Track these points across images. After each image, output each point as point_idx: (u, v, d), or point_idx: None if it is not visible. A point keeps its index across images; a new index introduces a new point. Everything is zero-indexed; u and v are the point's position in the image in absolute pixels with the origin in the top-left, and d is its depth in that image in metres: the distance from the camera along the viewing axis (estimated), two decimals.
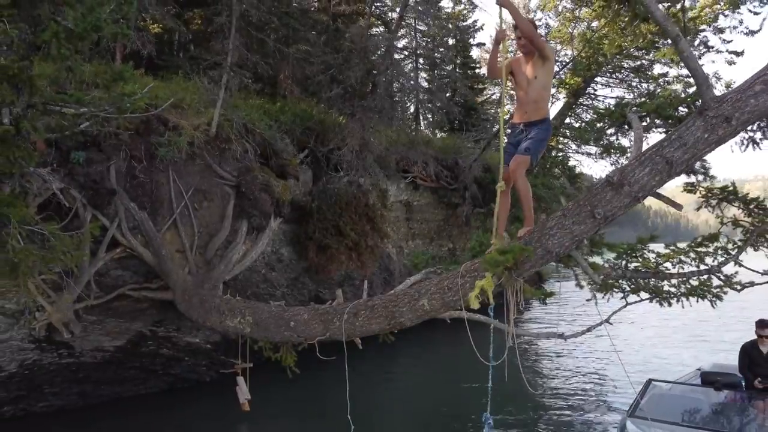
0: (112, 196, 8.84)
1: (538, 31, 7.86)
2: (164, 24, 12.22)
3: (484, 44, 32.06)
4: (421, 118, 24.35)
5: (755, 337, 7.55)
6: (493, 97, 32.18)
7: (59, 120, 6.83)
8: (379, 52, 12.76)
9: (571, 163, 19.17)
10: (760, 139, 6.23)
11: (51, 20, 5.53)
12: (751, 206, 6.51)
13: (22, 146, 6.36)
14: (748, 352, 7.59)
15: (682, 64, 9.88)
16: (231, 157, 10.49)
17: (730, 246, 6.48)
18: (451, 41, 28.88)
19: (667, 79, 17.13)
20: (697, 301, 7.01)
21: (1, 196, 6.90)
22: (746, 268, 6.20)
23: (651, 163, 4.26)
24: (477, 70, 31.36)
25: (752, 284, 6.45)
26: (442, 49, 26.67)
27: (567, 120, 20.34)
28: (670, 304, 7.13)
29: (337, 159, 13.26)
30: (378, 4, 17.26)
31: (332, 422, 8.12)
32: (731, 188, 6.70)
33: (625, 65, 17.37)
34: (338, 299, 6.65)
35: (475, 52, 31.96)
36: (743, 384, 7.36)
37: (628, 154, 9.58)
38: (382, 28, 18.56)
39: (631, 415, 6.59)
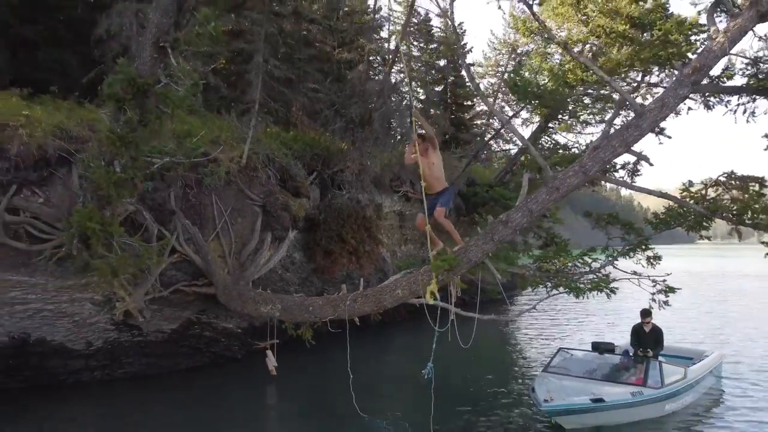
0: (172, 215, 11.78)
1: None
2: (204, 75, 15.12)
3: (473, 64, 35.01)
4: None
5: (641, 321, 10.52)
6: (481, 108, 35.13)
7: (149, 166, 9.78)
8: (375, 95, 15.63)
9: None
10: None
11: (156, 107, 8.44)
12: None
13: (128, 186, 9.32)
14: (636, 331, 10.57)
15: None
16: (258, 182, 13.44)
17: (608, 253, 9.40)
18: (442, 62, 31.85)
19: None
20: (600, 293, 9.96)
21: (106, 219, 9.84)
22: (619, 269, 9.12)
23: (522, 210, 7.17)
24: (467, 88, 34.32)
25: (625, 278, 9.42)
26: (433, 71, 29.63)
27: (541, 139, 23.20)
28: (577, 296, 10.03)
29: (340, 179, 16.19)
30: (376, 41, 20.11)
31: (338, 383, 10.92)
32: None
33: (586, 98, 20.16)
34: (343, 291, 9.56)
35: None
36: (629, 352, 10.30)
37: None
38: (379, 60, 21.39)
39: (543, 371, 9.51)
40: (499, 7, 9.26)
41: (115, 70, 8.19)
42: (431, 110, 28.80)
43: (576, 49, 15.82)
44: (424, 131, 7.68)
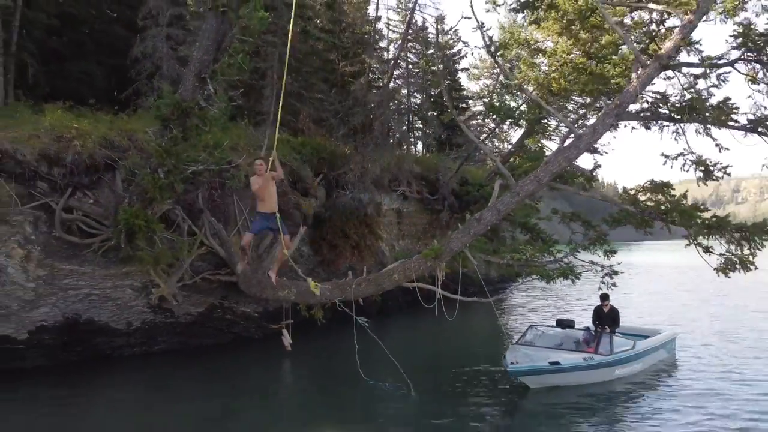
0: (200, 213, 13.64)
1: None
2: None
3: (467, 69, 36.91)
4: (411, 138, 29.15)
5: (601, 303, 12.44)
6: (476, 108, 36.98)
7: (184, 172, 11.64)
8: (374, 105, 17.46)
9: None
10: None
11: (195, 125, 10.28)
12: None
13: (169, 189, 11.18)
14: (597, 311, 12.49)
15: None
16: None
17: (571, 246, 11.28)
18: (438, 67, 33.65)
19: None
20: (566, 279, 11.84)
21: (149, 217, 11.70)
22: (579, 260, 10.98)
23: (492, 210, 9.03)
24: (463, 92, 36.19)
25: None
26: (430, 76, 31.39)
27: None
28: (548, 282, 11.89)
29: (344, 181, 18.04)
30: (376, 53, 21.92)
31: (345, 355, 12.75)
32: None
33: (570, 106, 21.97)
34: (349, 277, 11.42)
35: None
36: (590, 329, 12.18)
37: None
38: (379, 70, 23.18)
39: (514, 343, 11.41)
40: (481, 27, 10.73)
41: (161, 94, 10.03)
42: (428, 113, 30.56)
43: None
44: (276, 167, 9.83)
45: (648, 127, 10.63)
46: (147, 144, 12.35)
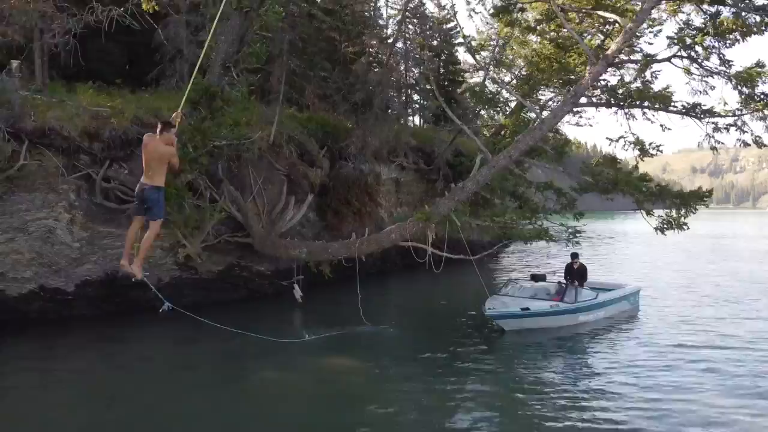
0: (220, 182, 15.39)
1: None
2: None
3: (463, 43, 38.05)
4: (409, 111, 30.68)
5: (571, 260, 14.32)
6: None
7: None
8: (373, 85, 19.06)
9: None
10: None
11: (220, 107, 11.95)
12: None
13: (197, 162, 12.91)
14: (568, 267, 14.38)
15: None
16: (283, 156, 17.01)
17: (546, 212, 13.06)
18: (435, 42, 34.90)
19: None
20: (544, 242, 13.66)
21: (179, 185, 13.44)
22: (553, 223, 12.79)
23: (473, 180, 10.79)
24: (459, 66, 37.43)
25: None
26: (428, 53, 32.73)
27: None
28: (525, 243, 13.72)
29: (346, 153, 19.74)
30: (376, 33, 23.33)
31: (349, 305, 14.63)
32: None
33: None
34: (353, 237, 13.26)
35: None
36: (561, 282, 14.06)
37: None
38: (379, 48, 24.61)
39: (494, 294, 13.31)
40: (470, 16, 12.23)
41: (193, 80, 11.65)
42: (427, 86, 31.97)
43: None
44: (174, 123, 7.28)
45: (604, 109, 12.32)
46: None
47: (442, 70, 34.59)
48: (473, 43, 41.79)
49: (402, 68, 29.21)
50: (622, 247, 38.00)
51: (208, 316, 15.32)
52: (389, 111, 21.79)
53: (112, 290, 14.68)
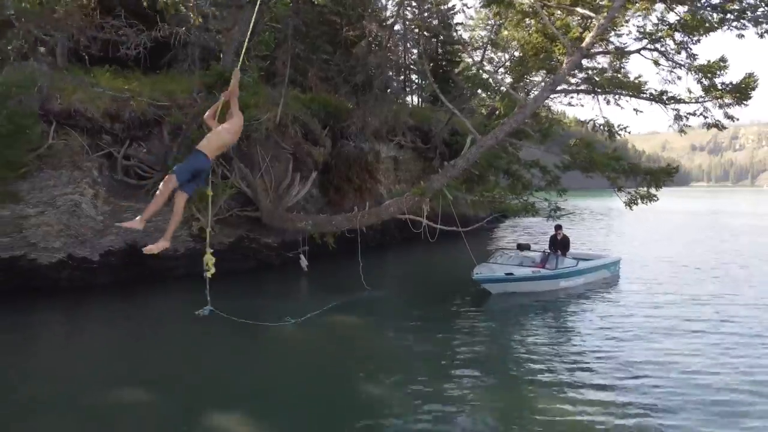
0: (231, 160, 16.55)
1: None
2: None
3: (462, 23, 38.85)
4: (408, 90, 31.64)
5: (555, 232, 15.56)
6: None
7: None
8: (373, 69, 20.09)
9: None
10: None
11: None
12: None
13: None
14: (552, 238, 15.62)
15: None
16: (288, 136, 18.13)
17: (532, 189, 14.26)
18: (435, 22, 35.67)
19: None
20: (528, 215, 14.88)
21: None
22: (537, 199, 13.98)
23: (464, 158, 11.95)
24: (456, 46, 38.20)
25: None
26: (425, 33, 33.53)
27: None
28: (513, 216, 14.92)
29: (348, 132, 20.85)
30: (376, 16, 24.24)
31: (351, 272, 15.89)
32: None
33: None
34: (355, 210, 14.47)
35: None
36: (545, 251, 15.31)
37: None
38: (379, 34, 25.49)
39: (483, 262, 14.58)
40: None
41: (209, 68, 12.79)
42: (424, 66, 32.85)
43: None
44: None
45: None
46: (187, 103, 15.25)
47: (440, 50, 35.44)
48: (470, 22, 42.57)
49: (401, 49, 30.08)
50: (616, 224, 39.26)
51: (221, 284, 16.71)
52: (388, 91, 22.81)
53: (132, 260, 15.94)
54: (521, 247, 15.36)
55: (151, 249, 5.55)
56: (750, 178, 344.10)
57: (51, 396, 8.16)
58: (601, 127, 12.61)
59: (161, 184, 5.44)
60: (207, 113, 6.13)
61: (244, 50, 7.12)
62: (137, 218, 5.45)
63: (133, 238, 15.94)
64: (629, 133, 12.63)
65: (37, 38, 14.07)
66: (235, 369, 9.51)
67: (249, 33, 7.37)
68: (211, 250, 6.60)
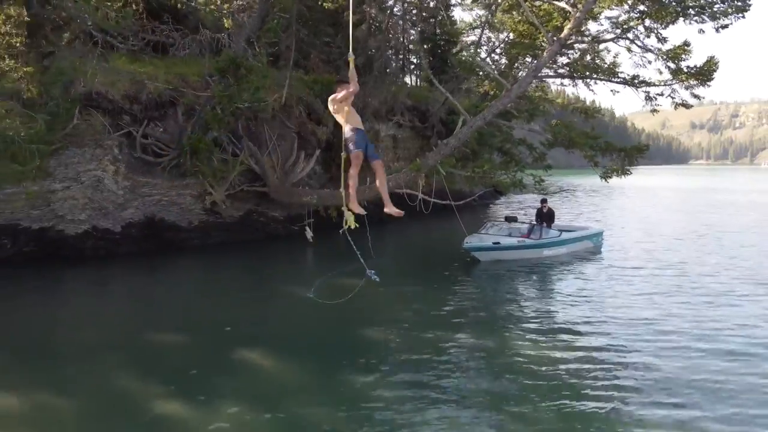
0: (241, 139, 17.76)
1: None
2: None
3: (460, 2, 39.58)
4: (405, 70, 32.62)
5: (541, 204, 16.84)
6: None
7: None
8: (373, 50, 21.15)
9: None
10: None
11: (244, 75, 14.22)
12: None
13: (224, 122, 15.26)
14: (538, 210, 16.91)
15: None
16: (293, 115, 19.31)
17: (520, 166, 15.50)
18: (432, 3, 36.49)
19: None
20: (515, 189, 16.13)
21: (208, 141, 15.84)
22: (527, 174, 15.22)
23: (456, 137, 13.16)
24: (455, 26, 39.07)
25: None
26: (424, 14, 34.36)
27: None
28: (504, 193, 16.19)
29: None
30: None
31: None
32: None
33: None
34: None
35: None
36: (532, 223, 16.59)
37: None
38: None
39: (473, 233, 15.89)
40: None
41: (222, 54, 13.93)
42: (423, 46, 33.78)
43: None
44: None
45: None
46: (199, 85, 16.43)
47: (437, 31, 36.30)
48: (468, 1, 43.25)
49: (400, 31, 30.99)
50: (609, 200, 40.52)
51: (231, 254, 18.06)
52: (387, 70, 23.87)
53: (151, 231, 17.25)
54: (509, 219, 16.66)
55: (392, 211, 6.52)
56: (749, 156, 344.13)
57: (83, 341, 9.43)
58: (577, 110, 13.86)
59: (352, 165, 6.42)
60: (340, 97, 6.47)
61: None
62: (356, 203, 6.60)
63: (152, 212, 17.25)
64: (603, 116, 13.75)
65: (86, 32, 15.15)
66: (250, 318, 10.83)
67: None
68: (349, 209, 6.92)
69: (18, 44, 12.42)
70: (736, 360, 8.46)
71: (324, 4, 18.90)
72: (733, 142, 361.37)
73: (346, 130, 6.66)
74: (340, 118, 6.77)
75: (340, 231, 7.58)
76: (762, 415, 6.70)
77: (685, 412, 6.77)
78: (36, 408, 6.87)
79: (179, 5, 15.07)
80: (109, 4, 12.76)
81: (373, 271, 8.62)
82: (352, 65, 6.38)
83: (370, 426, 6.47)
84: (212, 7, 13.60)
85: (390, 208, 6.58)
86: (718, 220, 26.85)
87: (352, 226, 7.02)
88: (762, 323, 10.29)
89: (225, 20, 14.15)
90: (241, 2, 15.44)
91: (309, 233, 17.75)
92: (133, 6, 14.54)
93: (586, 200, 38.97)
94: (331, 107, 6.68)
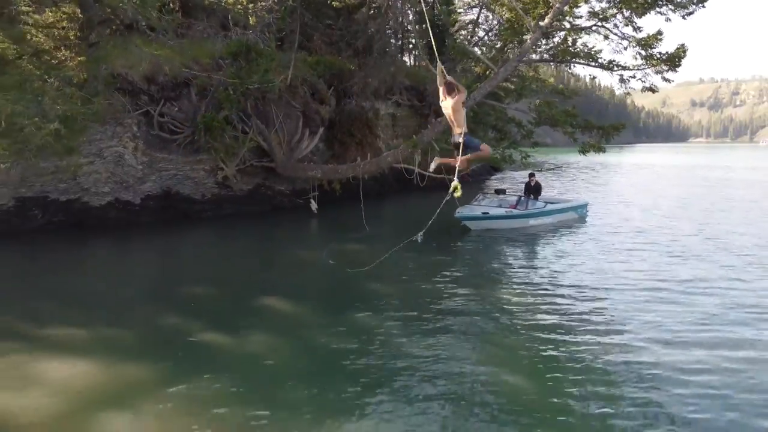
0: (249, 117, 19.04)
1: None
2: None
3: None
4: (404, 50, 33.68)
5: (529, 178, 18.18)
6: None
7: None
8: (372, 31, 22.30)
9: None
10: None
11: (255, 58, 15.47)
12: None
13: (235, 102, 16.54)
14: (526, 184, 18.27)
15: None
16: (298, 95, 20.56)
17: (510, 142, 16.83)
18: None
19: None
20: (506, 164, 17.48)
21: (220, 120, 17.15)
22: (523, 151, 16.55)
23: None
24: (453, 5, 39.94)
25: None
26: None
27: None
28: (497, 170, 17.54)
29: (350, 91, 23.23)
30: None
31: (354, 217, 18.59)
32: None
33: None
34: (358, 160, 17.05)
35: None
36: (520, 195, 17.94)
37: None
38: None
39: (466, 204, 17.27)
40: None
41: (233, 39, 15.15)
42: (419, 26, 34.76)
43: None
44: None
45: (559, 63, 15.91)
46: (211, 67, 17.67)
47: (436, 11, 37.23)
48: None
49: (398, 12, 31.97)
50: (602, 177, 41.85)
51: (242, 224, 19.47)
52: (386, 51, 25.01)
53: (168, 203, 18.63)
54: (498, 191, 18.04)
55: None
56: (749, 134, 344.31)
57: (122, 293, 10.89)
58: (555, 92, 15.15)
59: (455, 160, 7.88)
60: (459, 98, 7.68)
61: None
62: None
63: (168, 185, 18.63)
64: (579, 96, 15.13)
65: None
66: (267, 276, 12.27)
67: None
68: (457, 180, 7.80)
69: (72, 37, 13.84)
70: (708, 314, 9.69)
71: None
72: (733, 120, 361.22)
73: (460, 134, 7.75)
74: (451, 117, 7.85)
75: (446, 198, 8.85)
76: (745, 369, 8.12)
77: (664, 365, 8.00)
78: (95, 340, 8.34)
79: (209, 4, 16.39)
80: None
81: (420, 234, 9.84)
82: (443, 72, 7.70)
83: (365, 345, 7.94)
84: (239, 7, 14.87)
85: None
86: (704, 195, 28.21)
87: (459, 195, 8.09)
88: (732, 277, 11.75)
89: (250, 18, 15.38)
90: (264, 3, 16.75)
91: (314, 205, 19.14)
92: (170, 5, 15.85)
93: (579, 175, 40.31)
94: (448, 102, 7.75)
